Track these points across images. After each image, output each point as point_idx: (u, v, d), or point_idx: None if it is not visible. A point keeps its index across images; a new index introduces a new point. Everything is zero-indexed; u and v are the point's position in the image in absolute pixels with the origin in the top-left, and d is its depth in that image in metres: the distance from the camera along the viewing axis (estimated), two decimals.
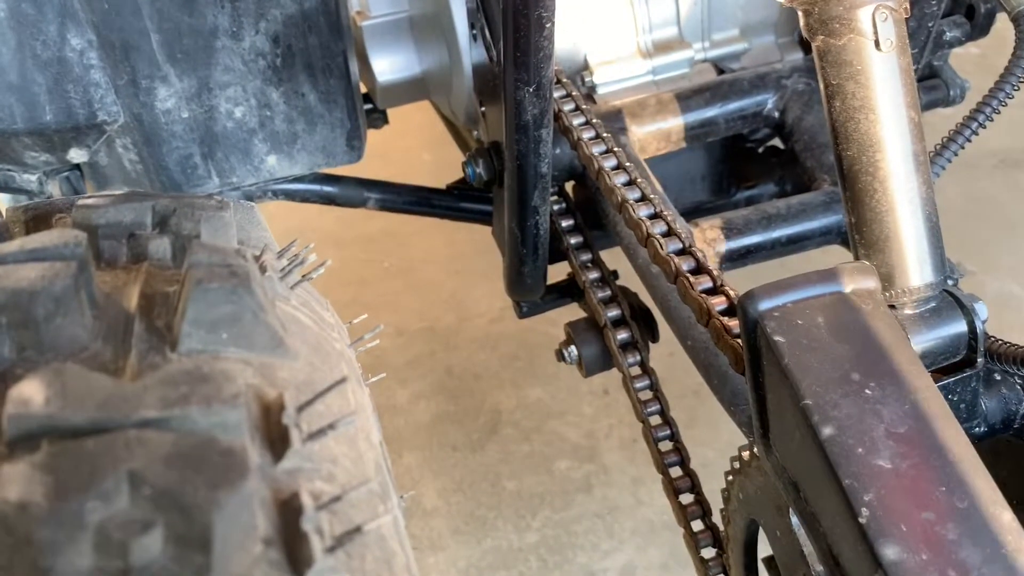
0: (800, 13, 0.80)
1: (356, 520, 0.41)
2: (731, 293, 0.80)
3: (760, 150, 1.45)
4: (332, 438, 0.46)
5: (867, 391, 0.63)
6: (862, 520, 0.58)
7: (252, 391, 0.44)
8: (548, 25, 0.88)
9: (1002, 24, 1.18)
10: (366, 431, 0.51)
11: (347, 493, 0.41)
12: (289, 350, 0.49)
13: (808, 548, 0.74)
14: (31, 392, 0.38)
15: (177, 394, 0.40)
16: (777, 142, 1.42)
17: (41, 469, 0.36)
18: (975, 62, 2.49)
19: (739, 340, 0.74)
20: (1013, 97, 1.01)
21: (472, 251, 2.35)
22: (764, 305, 0.67)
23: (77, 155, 1.25)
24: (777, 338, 0.66)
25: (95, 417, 0.38)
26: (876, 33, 0.77)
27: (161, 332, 0.47)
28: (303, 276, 0.60)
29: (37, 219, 0.61)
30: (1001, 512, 0.58)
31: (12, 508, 0.35)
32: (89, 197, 0.58)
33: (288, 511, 0.40)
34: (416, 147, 2.74)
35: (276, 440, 0.43)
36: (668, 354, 1.79)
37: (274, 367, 0.47)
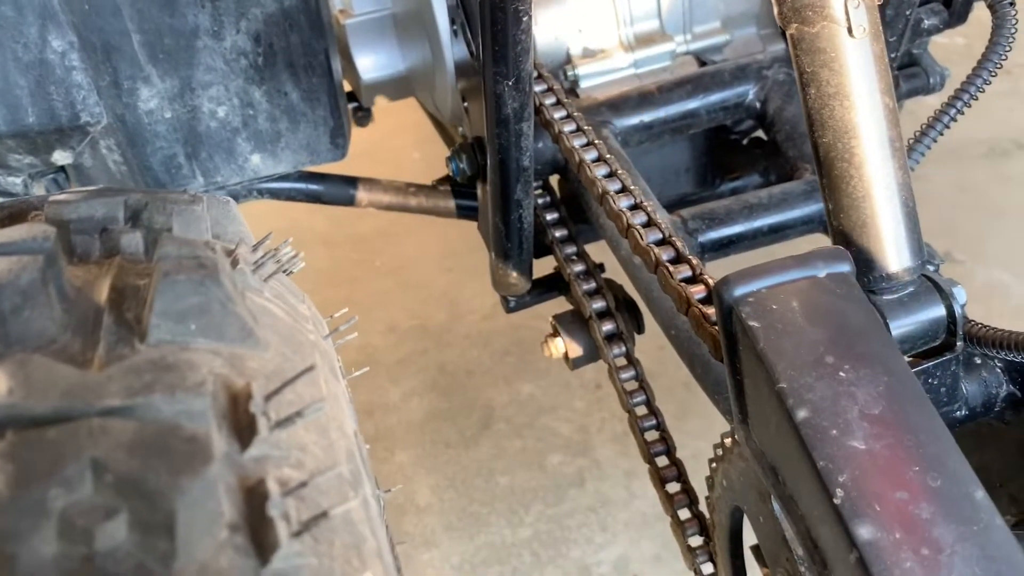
0: (774, 1, 0.81)
1: (323, 505, 0.42)
2: (709, 281, 0.80)
3: (744, 141, 1.45)
4: (301, 426, 0.46)
5: (841, 373, 0.64)
6: (837, 501, 0.58)
7: (220, 380, 0.44)
8: (525, 19, 0.88)
9: (987, 15, 1.18)
10: (338, 420, 0.51)
11: (314, 478, 0.42)
12: (259, 341, 0.49)
13: (790, 533, 0.74)
14: None
15: (141, 383, 0.40)
16: (761, 133, 1.43)
17: (3, 458, 0.36)
18: (960, 52, 2.50)
19: (717, 327, 0.74)
20: (991, 83, 1.01)
21: (463, 249, 2.35)
22: (739, 291, 0.68)
23: (61, 157, 1.25)
24: (752, 323, 0.66)
25: (58, 406, 0.38)
26: (849, 20, 0.77)
27: (130, 324, 0.47)
28: (277, 268, 0.60)
29: (12, 217, 0.61)
30: (974, 490, 0.58)
31: None
32: (61, 193, 0.58)
33: (254, 497, 0.40)
34: (406, 146, 2.74)
35: (244, 428, 0.43)
36: (658, 347, 1.79)
37: (243, 357, 0.47)
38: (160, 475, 0.36)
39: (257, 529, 0.39)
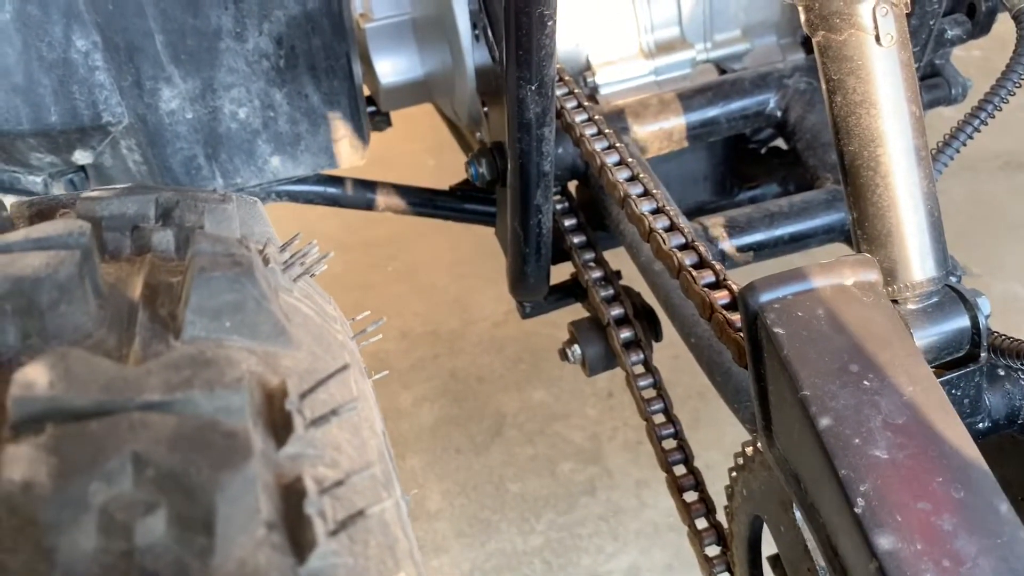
0: (801, 9, 0.81)
1: (359, 505, 0.42)
2: (734, 287, 0.80)
3: (763, 151, 1.45)
4: (335, 425, 0.46)
5: (865, 382, 0.63)
6: (858, 510, 0.58)
7: (255, 378, 0.44)
8: (550, 23, 0.88)
9: (1004, 27, 1.18)
10: (369, 420, 0.51)
11: (350, 478, 0.42)
12: (292, 339, 0.49)
13: (812, 542, 0.74)
14: (35, 376, 0.39)
15: (180, 378, 0.40)
16: (780, 143, 1.42)
17: (45, 451, 0.36)
18: (977, 64, 2.49)
19: (741, 334, 0.74)
20: (1014, 94, 1.01)
21: (476, 255, 2.35)
22: (765, 297, 0.67)
23: (82, 156, 1.26)
24: (777, 330, 0.66)
25: (99, 400, 0.38)
26: (877, 28, 0.77)
27: (165, 320, 0.47)
28: (305, 269, 0.60)
29: (41, 214, 0.61)
30: (998, 503, 0.58)
31: (17, 489, 0.36)
32: (93, 190, 0.58)
33: (291, 495, 0.40)
34: (420, 151, 2.74)
35: (279, 426, 0.43)
36: (672, 356, 1.79)
37: (277, 355, 0.47)
38: (200, 470, 0.36)
39: (294, 527, 0.39)
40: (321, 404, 0.45)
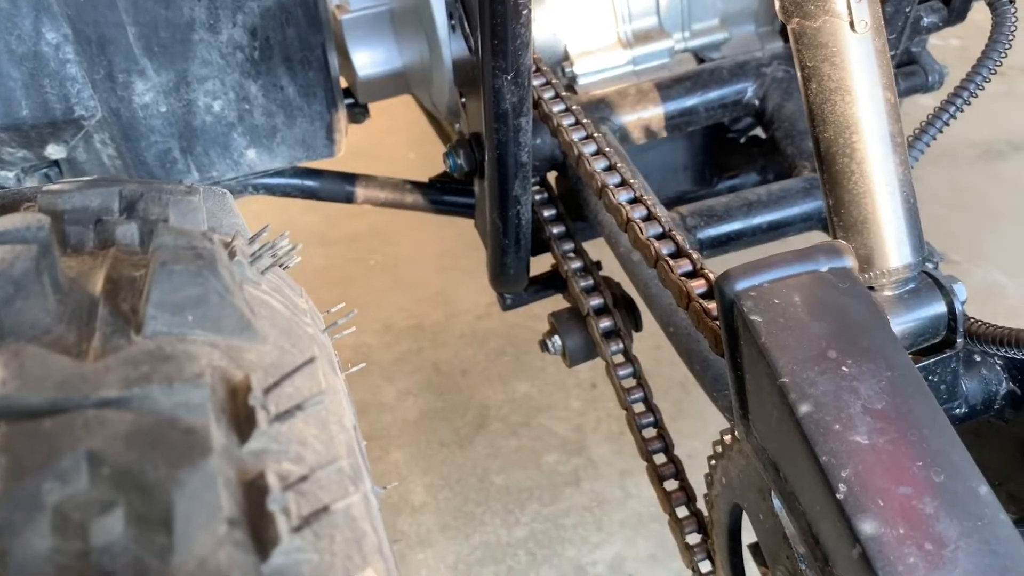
0: None
1: (324, 500, 0.41)
2: (710, 276, 0.80)
3: (742, 140, 1.45)
4: (301, 420, 0.45)
5: (844, 368, 0.63)
6: (839, 496, 0.58)
7: (218, 373, 0.43)
8: (525, 12, 0.87)
9: (982, 15, 1.18)
10: (338, 414, 0.51)
11: (314, 473, 0.41)
12: (257, 333, 0.48)
13: (790, 530, 0.74)
14: None
15: (138, 374, 0.39)
16: (759, 132, 1.42)
17: None
18: (956, 54, 2.50)
19: (718, 322, 0.74)
20: (990, 81, 1.01)
21: (459, 248, 2.34)
22: (741, 285, 0.67)
23: (55, 151, 1.24)
24: (754, 317, 0.65)
25: (53, 397, 0.37)
26: (851, 14, 0.77)
27: (126, 315, 0.46)
28: (274, 262, 0.59)
29: (4, 208, 0.60)
30: (978, 485, 0.58)
31: None
32: (55, 184, 0.57)
33: (254, 491, 0.39)
34: (401, 145, 2.73)
35: (243, 421, 0.42)
36: (654, 347, 1.79)
37: (241, 349, 0.46)
38: (158, 467, 0.36)
39: (257, 524, 0.38)
40: (287, 398, 0.45)
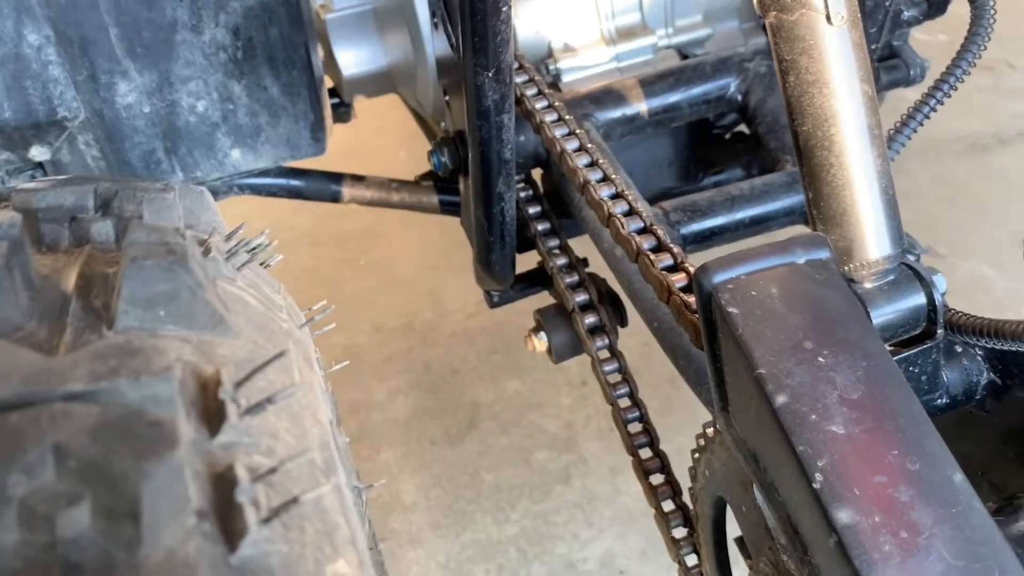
0: None
1: (294, 491, 0.41)
2: (691, 270, 0.80)
3: (727, 136, 1.45)
4: (273, 413, 0.45)
5: (820, 359, 0.63)
6: (816, 486, 0.58)
7: (189, 367, 0.44)
8: (505, 8, 0.87)
9: (967, 10, 1.18)
10: (312, 409, 0.51)
11: (284, 464, 0.41)
12: (230, 328, 0.48)
13: (772, 521, 0.74)
14: None
15: (105, 367, 0.39)
16: (743, 128, 1.42)
17: None
18: (942, 48, 2.51)
19: (698, 315, 0.74)
20: (970, 74, 1.01)
21: (448, 247, 2.34)
22: (718, 278, 0.67)
23: (39, 153, 1.24)
24: (731, 309, 0.66)
25: (19, 391, 0.37)
26: (827, 7, 0.77)
27: (98, 311, 0.46)
28: (251, 258, 0.59)
29: None
30: (953, 473, 0.58)
31: None
32: (30, 182, 0.57)
33: (222, 484, 0.39)
34: (392, 144, 2.73)
35: (213, 415, 0.42)
36: (642, 343, 1.79)
37: (213, 344, 0.47)
38: (124, 460, 0.36)
39: (225, 515, 0.38)
40: (258, 392, 0.45)
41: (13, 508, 0.35)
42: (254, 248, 0.63)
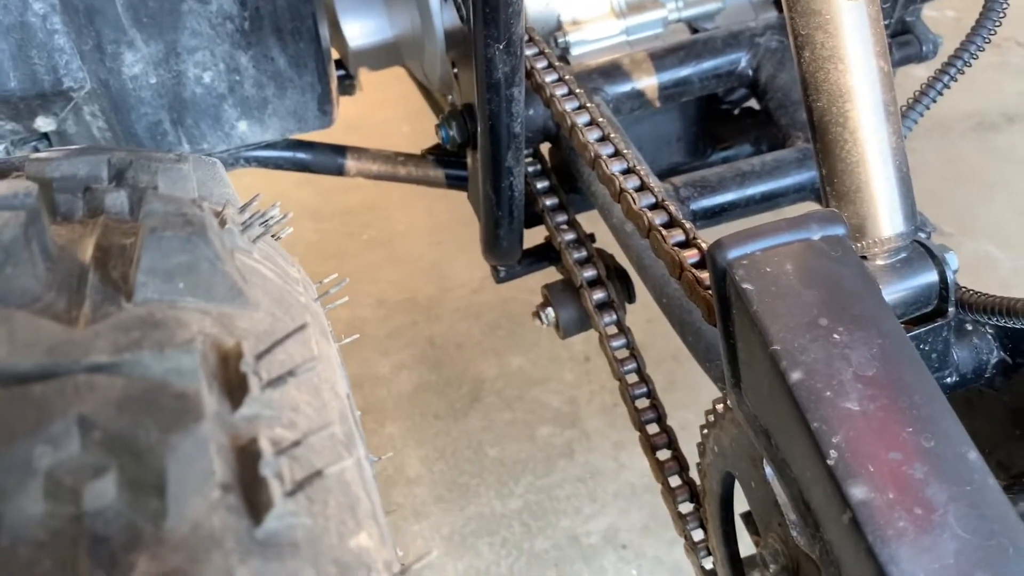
0: None
1: (317, 465, 0.41)
2: (703, 246, 0.80)
3: (736, 111, 1.44)
4: (294, 386, 0.45)
5: (835, 336, 0.63)
6: (830, 462, 0.58)
7: (209, 340, 0.43)
8: None
9: None
10: (331, 381, 0.51)
11: (307, 438, 0.41)
12: (249, 300, 0.48)
13: (782, 498, 0.75)
14: None
15: (128, 339, 0.39)
16: (752, 103, 1.41)
17: None
18: (951, 25, 2.49)
19: (711, 292, 0.74)
20: (983, 51, 1.00)
21: (452, 222, 2.34)
22: (733, 254, 0.67)
23: (44, 123, 1.23)
24: (746, 285, 0.65)
25: (43, 363, 0.37)
26: None
27: (116, 282, 0.46)
28: (265, 230, 0.59)
29: None
30: (967, 450, 0.58)
31: None
32: (43, 152, 0.57)
33: (246, 457, 0.39)
34: (395, 119, 2.71)
35: (235, 388, 0.42)
36: (647, 320, 1.79)
37: (233, 316, 0.46)
38: (149, 432, 0.36)
39: (250, 489, 0.38)
40: (279, 365, 0.45)
41: (39, 480, 0.35)
42: (267, 221, 0.63)
